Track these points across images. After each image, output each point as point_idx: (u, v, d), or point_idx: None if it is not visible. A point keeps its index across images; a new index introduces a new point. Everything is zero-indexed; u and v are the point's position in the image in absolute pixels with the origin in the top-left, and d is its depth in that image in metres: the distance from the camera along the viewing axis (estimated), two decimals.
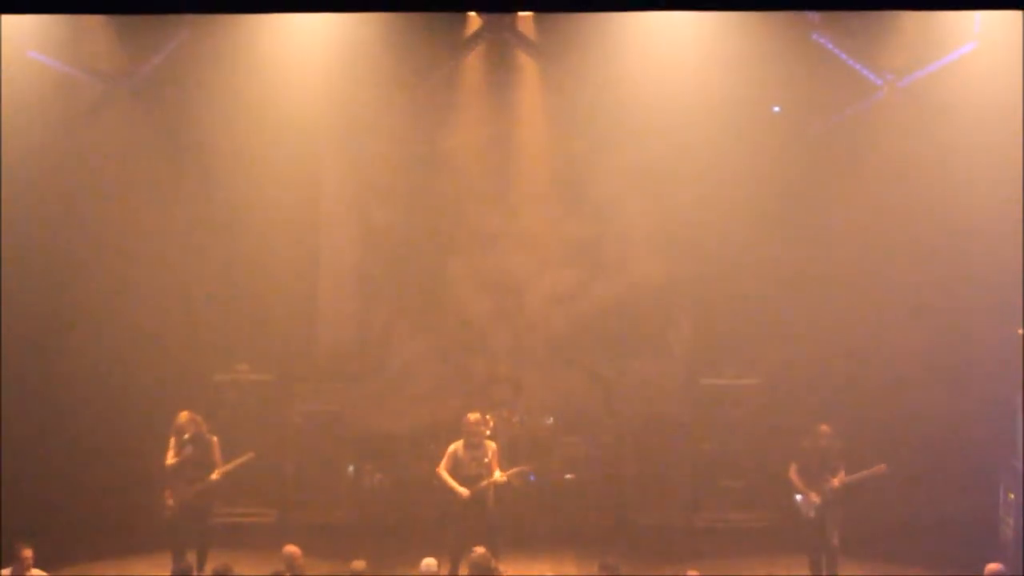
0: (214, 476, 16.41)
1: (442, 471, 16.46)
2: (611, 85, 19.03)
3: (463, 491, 16.21)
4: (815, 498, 15.91)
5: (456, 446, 16.52)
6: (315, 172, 20.37)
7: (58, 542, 16.18)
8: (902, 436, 17.91)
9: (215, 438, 16.59)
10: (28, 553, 14.01)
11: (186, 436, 16.31)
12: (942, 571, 15.95)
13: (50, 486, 17.45)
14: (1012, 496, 15.95)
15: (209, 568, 15.05)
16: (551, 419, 19.63)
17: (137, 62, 18.29)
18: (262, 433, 18.52)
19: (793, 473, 16.25)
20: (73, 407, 18.06)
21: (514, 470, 17.17)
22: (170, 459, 16.26)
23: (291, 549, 14.20)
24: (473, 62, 19.69)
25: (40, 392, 17.58)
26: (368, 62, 18.38)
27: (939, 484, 17.32)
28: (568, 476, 19.14)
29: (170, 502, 16.22)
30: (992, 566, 13.29)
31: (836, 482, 15.88)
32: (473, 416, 16.76)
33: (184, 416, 16.42)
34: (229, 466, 16.63)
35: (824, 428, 16.18)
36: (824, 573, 15.83)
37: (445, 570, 15.41)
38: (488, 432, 17.70)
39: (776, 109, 19.40)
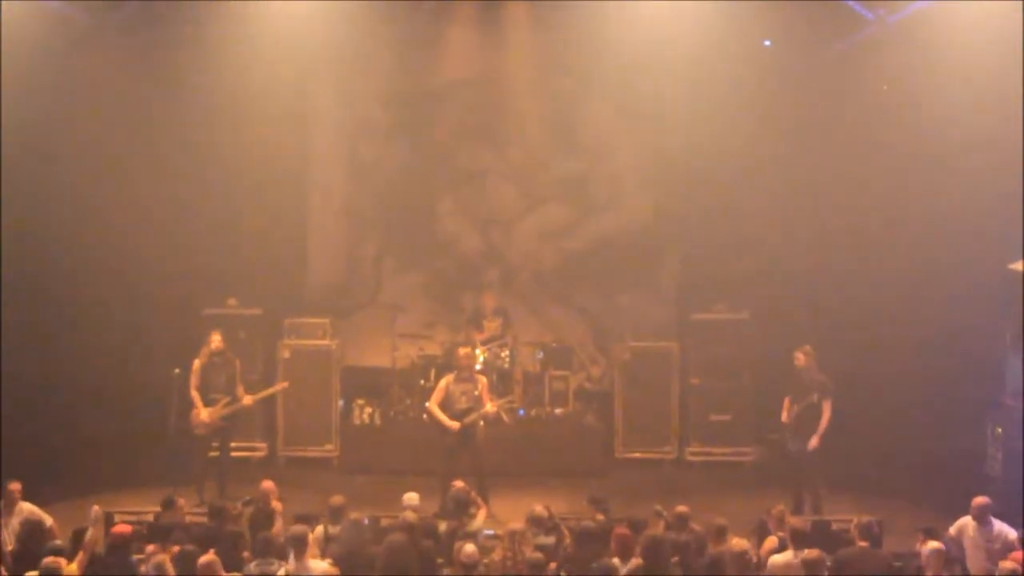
0: (247, 400, 16.80)
1: (432, 405, 16.52)
2: (600, 21, 18.81)
3: (453, 424, 16.28)
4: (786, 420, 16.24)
5: (447, 380, 16.59)
6: (304, 107, 20.47)
7: (59, 476, 16.36)
8: (890, 371, 17.94)
9: (238, 360, 16.98)
10: (16, 487, 13.89)
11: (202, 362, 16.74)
12: (930, 504, 15.95)
13: (48, 424, 17.36)
14: (999, 430, 15.94)
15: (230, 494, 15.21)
16: (541, 354, 19.54)
17: None
18: (252, 368, 18.49)
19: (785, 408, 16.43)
20: (64, 344, 17.93)
21: (503, 402, 17.36)
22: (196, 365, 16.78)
23: (267, 484, 14.19)
24: None
25: (32, 329, 17.36)
26: None
27: (927, 418, 17.22)
28: (558, 410, 19.11)
29: (207, 419, 16.53)
30: (979, 499, 13.31)
31: (814, 442, 16.04)
32: (463, 351, 16.86)
33: (213, 336, 16.84)
34: (262, 393, 17.21)
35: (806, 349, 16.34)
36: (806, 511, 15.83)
37: (435, 504, 15.36)
38: (478, 367, 17.93)
39: (767, 43, 19.22)
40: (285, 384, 17.83)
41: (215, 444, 16.87)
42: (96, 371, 18.25)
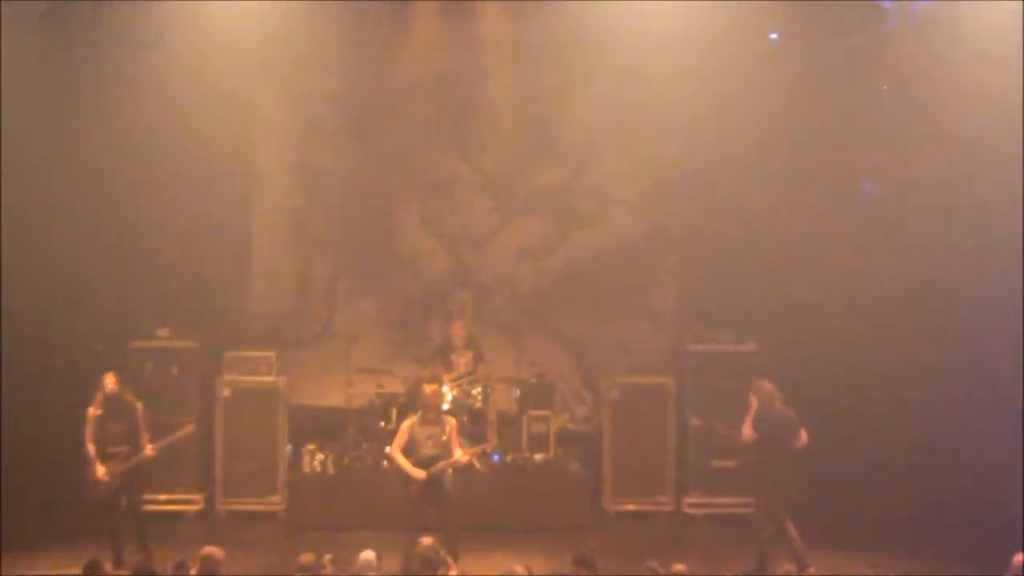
0: (149, 452, 15.71)
1: (395, 451, 15.75)
2: (588, 13, 18.36)
3: (418, 473, 15.45)
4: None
5: (410, 422, 15.81)
6: (250, 109, 19.64)
7: None
8: (909, 404, 17.59)
9: (140, 404, 15.90)
10: None
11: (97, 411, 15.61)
12: (967, 566, 15.28)
13: None
14: None
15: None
16: (518, 391, 18.88)
17: None
18: (186, 409, 17.63)
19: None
20: None
21: (476, 449, 16.87)
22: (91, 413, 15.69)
23: (210, 550, 13.12)
24: None
25: None
26: None
27: (958, 474, 16.88)
28: (537, 456, 18.26)
29: (104, 477, 15.44)
30: (1020, 556, 12.71)
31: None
32: (429, 388, 16.01)
33: (106, 378, 15.72)
34: (165, 440, 16.06)
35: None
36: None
37: (397, 564, 14.65)
38: (446, 406, 17.26)
39: (773, 36, 18.80)
40: (191, 428, 16.82)
41: (123, 502, 15.81)
42: (11, 409, 17.44)
